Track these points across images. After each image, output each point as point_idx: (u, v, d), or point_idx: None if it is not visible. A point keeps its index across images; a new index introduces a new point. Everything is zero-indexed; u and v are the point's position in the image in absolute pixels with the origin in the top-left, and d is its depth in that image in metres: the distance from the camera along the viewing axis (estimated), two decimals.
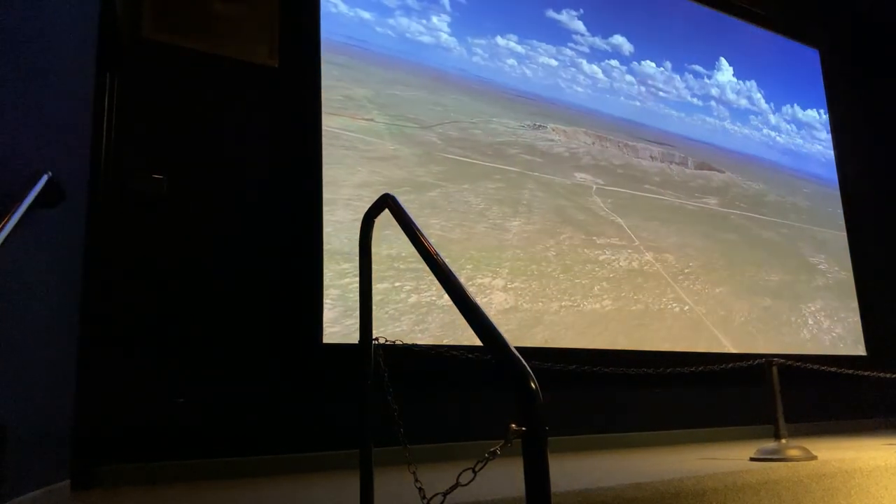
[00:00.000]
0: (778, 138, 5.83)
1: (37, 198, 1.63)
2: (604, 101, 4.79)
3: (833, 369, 3.62)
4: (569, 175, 4.42)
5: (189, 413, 2.92)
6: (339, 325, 3.26)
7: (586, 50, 4.74)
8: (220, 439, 2.97)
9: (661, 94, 5.12)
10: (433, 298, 3.53)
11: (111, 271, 2.91)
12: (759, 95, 5.77)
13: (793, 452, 2.75)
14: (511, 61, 4.37)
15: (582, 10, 4.74)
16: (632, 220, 4.58)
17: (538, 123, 4.40)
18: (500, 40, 4.33)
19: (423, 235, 1.55)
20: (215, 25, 3.38)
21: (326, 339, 3.24)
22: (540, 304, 3.92)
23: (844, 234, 5.92)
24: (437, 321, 3.51)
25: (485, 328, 1.17)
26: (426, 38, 4.05)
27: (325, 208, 3.40)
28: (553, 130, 4.47)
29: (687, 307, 4.59)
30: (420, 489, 1.51)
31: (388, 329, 3.33)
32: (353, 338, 3.24)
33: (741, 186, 5.41)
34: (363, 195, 3.50)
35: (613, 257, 4.37)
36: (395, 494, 2.03)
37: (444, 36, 4.12)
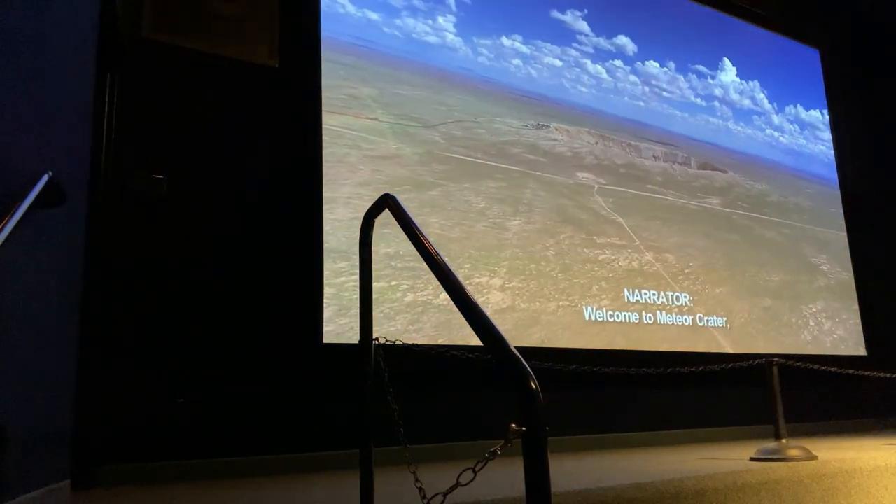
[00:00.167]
0: (781, 138, 5.83)
1: (37, 198, 1.63)
2: (607, 101, 4.79)
3: (833, 369, 3.62)
4: (571, 174, 4.42)
5: (189, 413, 2.92)
6: (332, 325, 3.26)
7: (590, 50, 4.75)
8: (220, 439, 2.97)
9: (664, 94, 5.13)
10: (429, 297, 3.53)
11: (111, 271, 2.91)
12: (762, 95, 5.77)
13: (793, 452, 2.75)
14: (516, 61, 4.38)
15: (586, 11, 4.75)
16: (633, 220, 4.57)
17: (541, 123, 4.40)
18: (505, 41, 4.34)
19: (423, 235, 1.55)
20: (215, 25, 3.38)
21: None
22: (537, 303, 3.91)
23: (846, 234, 5.91)
24: (433, 321, 3.51)
25: (485, 328, 1.17)
26: (432, 39, 4.07)
27: (324, 206, 3.40)
28: (556, 130, 4.47)
29: (686, 308, 4.58)
30: (420, 489, 1.51)
31: (383, 328, 3.32)
32: (348, 336, 3.24)
33: (744, 186, 5.41)
34: (363, 194, 3.50)
35: (613, 257, 4.37)
36: (396, 494, 2.03)
37: (450, 36, 4.14)
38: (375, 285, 3.34)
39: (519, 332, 3.73)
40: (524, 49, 4.42)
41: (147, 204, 3.06)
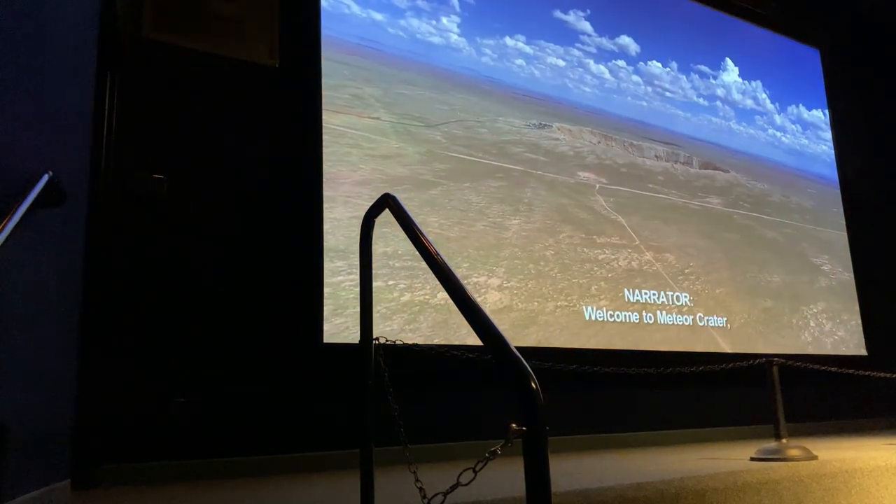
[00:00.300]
0: (783, 138, 5.83)
1: (37, 197, 1.63)
2: (610, 101, 4.80)
3: (833, 369, 3.62)
4: (572, 174, 4.42)
5: (189, 413, 2.92)
6: (329, 324, 3.25)
7: (593, 50, 4.75)
8: (220, 439, 2.97)
9: (667, 94, 5.13)
10: (426, 297, 3.52)
11: (111, 271, 2.91)
12: (764, 95, 5.77)
13: (793, 452, 2.75)
14: (519, 61, 4.38)
15: (589, 11, 4.75)
16: (633, 220, 4.57)
17: (543, 122, 4.40)
18: (508, 41, 4.35)
19: (423, 235, 1.55)
20: (216, 25, 3.38)
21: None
22: (535, 303, 3.90)
23: (846, 233, 5.91)
24: (429, 320, 3.50)
25: (485, 328, 1.17)
26: (436, 39, 4.08)
27: (324, 206, 3.40)
28: (558, 129, 4.47)
29: (686, 308, 4.58)
30: (420, 489, 1.51)
31: (379, 328, 3.27)
32: (343, 336, 3.24)
33: (745, 186, 5.40)
34: (362, 193, 3.50)
35: (613, 256, 4.37)
36: (396, 494, 2.03)
37: (454, 37, 4.15)
38: (374, 284, 3.35)
39: (516, 333, 3.72)
40: (527, 49, 4.43)
41: (147, 204, 3.06)
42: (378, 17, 3.89)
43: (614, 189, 4.58)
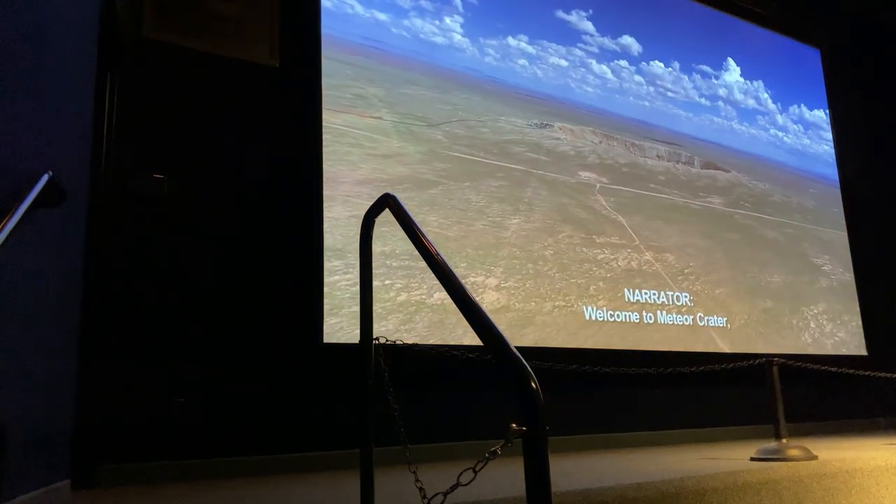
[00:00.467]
0: (785, 138, 5.83)
1: (37, 197, 1.63)
2: (613, 100, 4.80)
3: (833, 369, 3.62)
4: (573, 173, 4.42)
5: (189, 413, 2.92)
6: (324, 324, 3.26)
7: (595, 50, 4.76)
8: (220, 439, 2.97)
9: (669, 94, 5.13)
10: (423, 297, 3.51)
11: (111, 271, 2.91)
12: (766, 95, 5.77)
13: (793, 452, 2.75)
14: (522, 61, 4.39)
15: (591, 11, 4.76)
16: (634, 219, 4.57)
17: (545, 122, 4.40)
18: (511, 41, 4.36)
19: (423, 235, 1.55)
20: (216, 25, 3.38)
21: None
22: (533, 303, 3.89)
23: (847, 233, 5.91)
24: (425, 320, 3.49)
25: (486, 328, 1.17)
26: (439, 39, 4.09)
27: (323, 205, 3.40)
28: (560, 129, 4.47)
29: (685, 308, 4.57)
30: (421, 489, 1.51)
31: (374, 328, 3.28)
32: (337, 336, 3.24)
33: (747, 186, 5.40)
34: (362, 192, 3.50)
35: (612, 256, 4.36)
36: (396, 494, 2.03)
37: (457, 37, 4.16)
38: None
39: (513, 333, 3.71)
40: (530, 49, 4.43)
41: (147, 204, 3.05)
42: (382, 17, 3.89)
43: (615, 189, 4.58)
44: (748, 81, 5.68)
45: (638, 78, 4.97)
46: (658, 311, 4.42)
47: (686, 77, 5.26)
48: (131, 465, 2.76)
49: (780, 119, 5.83)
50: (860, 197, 6.07)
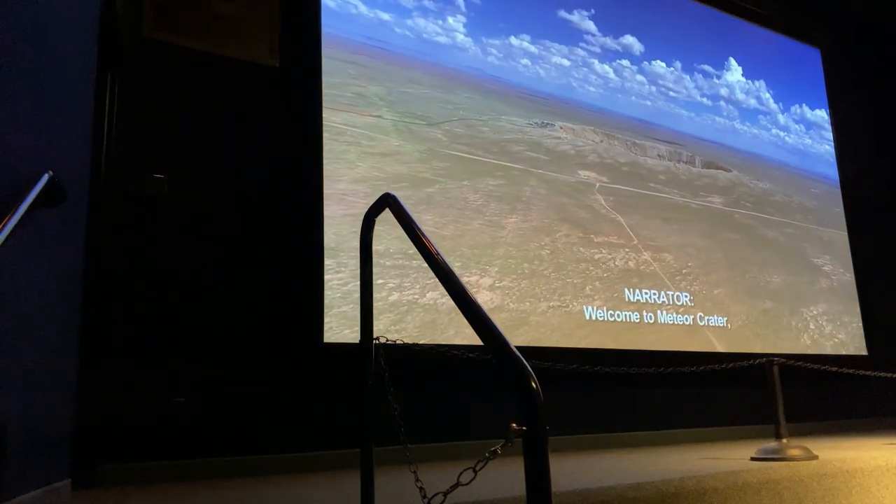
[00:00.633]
0: (787, 138, 5.83)
1: (38, 197, 1.63)
2: (615, 100, 4.80)
3: (834, 369, 3.62)
4: (573, 172, 4.41)
5: (189, 412, 2.92)
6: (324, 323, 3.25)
7: (598, 50, 4.76)
8: (220, 439, 2.97)
9: (671, 93, 5.13)
10: (415, 297, 3.49)
11: (111, 271, 2.91)
12: (767, 95, 5.77)
13: (794, 452, 2.75)
14: (525, 61, 4.40)
15: (593, 11, 4.76)
16: (633, 219, 4.56)
17: (546, 121, 4.40)
18: (513, 40, 4.36)
19: (423, 235, 1.55)
20: (216, 25, 3.38)
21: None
22: (527, 303, 3.86)
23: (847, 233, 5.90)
24: (416, 321, 3.46)
25: (486, 328, 1.17)
26: (442, 39, 4.09)
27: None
28: (561, 128, 4.47)
29: (683, 309, 4.55)
30: (421, 488, 1.51)
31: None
32: (328, 335, 3.23)
33: (748, 185, 5.39)
34: (358, 190, 3.49)
35: (610, 256, 4.34)
36: (396, 494, 2.03)
37: (460, 36, 4.17)
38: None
39: (506, 333, 3.63)
40: (532, 49, 4.44)
41: (147, 204, 3.06)
42: (385, 16, 3.90)
43: (615, 188, 4.57)
44: (750, 81, 5.68)
45: (640, 77, 4.97)
46: (655, 312, 4.40)
47: (688, 77, 5.26)
48: (131, 464, 2.76)
49: (781, 119, 5.83)
50: (861, 197, 6.06)
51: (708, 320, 4.64)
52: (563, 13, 4.63)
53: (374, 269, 3.27)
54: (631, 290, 4.35)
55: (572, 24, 4.67)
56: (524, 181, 4.14)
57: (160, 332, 2.96)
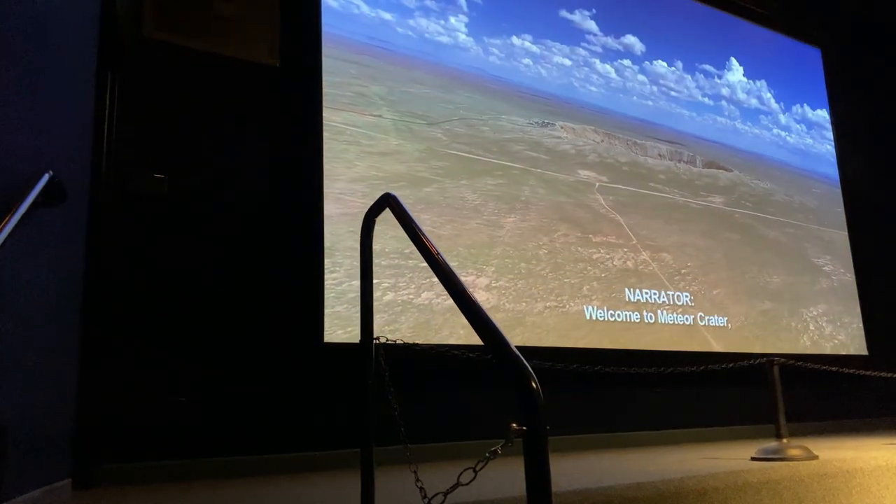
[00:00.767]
0: (788, 138, 5.83)
1: (38, 197, 1.63)
2: (616, 100, 4.81)
3: (834, 369, 3.62)
4: (572, 172, 4.40)
5: (190, 412, 2.92)
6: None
7: (599, 50, 4.76)
8: (220, 438, 2.97)
9: (672, 93, 5.13)
10: (410, 297, 3.47)
11: (111, 270, 2.91)
12: (769, 95, 5.77)
13: (794, 452, 2.75)
14: (526, 61, 4.40)
15: (594, 10, 4.76)
16: (632, 219, 4.55)
17: (546, 121, 4.40)
18: (515, 40, 4.37)
19: (424, 235, 1.55)
20: (216, 25, 3.38)
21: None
22: (523, 304, 3.84)
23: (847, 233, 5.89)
24: (410, 321, 3.44)
25: (486, 328, 1.17)
26: (444, 39, 4.10)
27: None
28: (561, 128, 4.46)
29: (681, 309, 4.53)
30: (421, 488, 1.51)
31: (356, 329, 3.24)
32: (327, 334, 3.22)
33: (748, 185, 5.38)
34: (356, 189, 3.49)
35: (608, 256, 4.32)
36: (396, 494, 2.03)
37: (462, 36, 4.17)
38: (356, 283, 3.30)
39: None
40: (534, 49, 4.44)
41: (147, 204, 3.05)
42: (387, 16, 3.90)
43: (614, 187, 4.56)
44: (751, 81, 5.68)
45: (641, 77, 4.97)
46: (653, 312, 4.37)
47: (689, 76, 5.26)
48: (131, 464, 2.76)
49: (782, 119, 5.83)
50: (861, 196, 6.06)
51: (708, 320, 4.63)
52: (564, 13, 4.63)
53: None
54: (630, 290, 4.33)
55: (574, 24, 4.67)
56: (523, 181, 4.14)
57: (160, 332, 2.96)
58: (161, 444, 2.84)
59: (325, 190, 3.42)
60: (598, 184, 4.50)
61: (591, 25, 4.73)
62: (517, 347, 1.10)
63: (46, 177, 1.71)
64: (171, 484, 2.73)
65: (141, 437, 2.81)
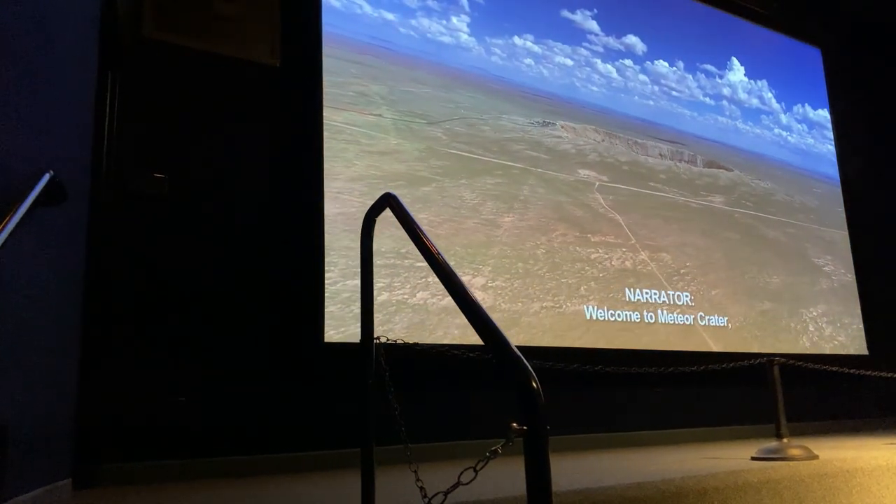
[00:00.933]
0: (789, 138, 5.83)
1: (38, 196, 1.63)
2: (618, 100, 4.81)
3: (834, 368, 3.62)
4: (572, 171, 4.39)
5: (190, 412, 2.92)
6: (325, 322, 3.25)
7: (600, 49, 4.76)
8: (221, 438, 2.97)
9: (673, 93, 5.13)
10: (404, 297, 3.45)
11: (112, 270, 2.91)
12: (770, 95, 5.77)
13: (794, 452, 2.75)
14: (528, 61, 4.40)
15: (596, 10, 4.77)
16: (631, 218, 4.54)
17: (547, 120, 4.39)
18: (517, 40, 4.37)
19: (424, 235, 1.55)
20: (216, 25, 3.38)
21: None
22: (519, 304, 3.82)
23: (848, 233, 5.89)
24: (404, 321, 3.42)
25: (487, 327, 1.17)
26: (446, 39, 4.10)
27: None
28: (562, 128, 4.46)
29: (680, 309, 4.52)
30: (421, 488, 1.51)
31: (350, 328, 3.24)
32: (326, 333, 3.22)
33: (749, 185, 5.37)
34: (354, 189, 3.48)
35: (606, 256, 4.30)
36: (397, 493, 2.03)
37: (464, 36, 4.17)
38: (350, 283, 3.34)
39: None
40: (536, 48, 4.45)
41: (147, 204, 3.06)
42: (389, 16, 3.90)
43: (614, 187, 4.56)
44: (752, 81, 5.68)
45: (643, 77, 4.97)
46: (650, 313, 4.36)
47: (690, 76, 5.26)
48: (132, 464, 2.76)
49: (784, 118, 5.83)
50: (861, 196, 6.06)
51: (706, 322, 4.61)
52: (566, 13, 4.63)
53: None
54: (629, 290, 4.32)
55: (575, 24, 4.67)
56: (523, 180, 4.13)
57: (160, 333, 2.96)
58: (161, 444, 2.84)
59: (324, 189, 3.41)
60: (597, 183, 4.49)
61: (593, 25, 4.74)
62: (518, 347, 1.10)
63: (47, 177, 1.71)
64: (171, 484, 2.73)
65: (141, 436, 2.81)
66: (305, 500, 2.13)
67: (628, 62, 4.91)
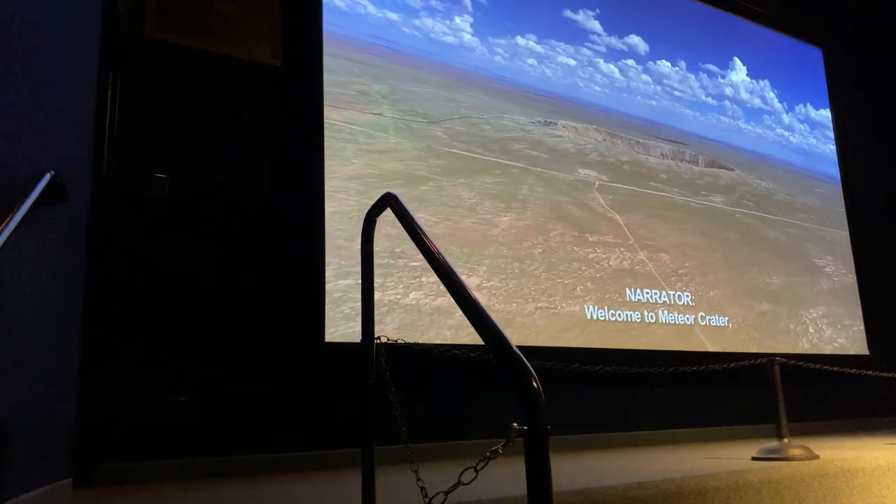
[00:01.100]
0: (791, 138, 5.83)
1: (39, 196, 1.63)
2: (620, 99, 4.81)
3: (835, 369, 3.62)
4: (572, 171, 4.39)
5: (190, 412, 2.92)
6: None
7: (603, 49, 4.77)
8: (221, 438, 2.97)
9: (676, 93, 5.13)
10: (397, 297, 3.43)
11: (112, 270, 2.91)
12: (772, 95, 5.77)
13: (795, 452, 2.75)
14: (531, 61, 4.41)
15: (598, 10, 4.77)
16: (631, 218, 4.52)
17: (548, 120, 4.39)
18: (520, 40, 4.38)
19: (425, 235, 1.55)
20: (217, 24, 3.38)
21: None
22: (514, 304, 3.79)
23: (848, 233, 5.88)
24: (396, 321, 3.40)
25: (487, 327, 1.17)
26: (449, 39, 4.11)
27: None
28: (564, 127, 4.45)
29: (678, 310, 4.50)
30: (422, 488, 1.50)
31: (339, 329, 3.24)
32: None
33: (750, 185, 5.36)
34: (350, 188, 3.48)
35: (604, 256, 4.28)
36: (397, 493, 2.03)
37: (467, 36, 4.18)
38: (341, 283, 3.34)
39: None
40: (538, 48, 4.45)
41: (148, 204, 3.06)
42: (393, 16, 3.91)
43: (614, 186, 4.55)
44: (754, 81, 5.67)
45: (645, 77, 4.97)
46: (651, 313, 4.34)
47: (692, 76, 5.26)
48: (132, 464, 2.76)
49: (786, 118, 5.83)
50: (862, 196, 6.05)
51: (704, 323, 4.59)
52: (568, 13, 4.64)
53: (359, 269, 3.27)
54: (628, 290, 4.30)
55: (578, 24, 4.67)
56: (522, 179, 4.12)
57: (160, 333, 2.96)
58: (161, 444, 2.84)
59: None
60: (597, 183, 4.49)
61: (595, 25, 4.74)
62: (521, 347, 1.10)
63: (48, 176, 1.71)
64: (171, 484, 2.73)
65: (141, 436, 2.81)
66: (305, 500, 2.13)
67: (631, 62, 4.91)
